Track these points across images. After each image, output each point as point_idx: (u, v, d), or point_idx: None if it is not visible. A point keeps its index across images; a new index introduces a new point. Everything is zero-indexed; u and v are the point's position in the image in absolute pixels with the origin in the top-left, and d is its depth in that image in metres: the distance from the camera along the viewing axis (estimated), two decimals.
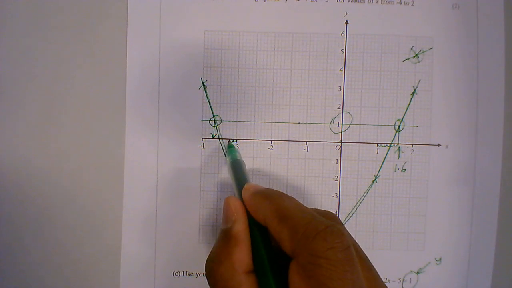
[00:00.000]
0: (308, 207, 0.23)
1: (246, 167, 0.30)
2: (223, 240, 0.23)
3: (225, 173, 0.32)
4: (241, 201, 0.24)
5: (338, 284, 0.18)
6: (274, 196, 0.23)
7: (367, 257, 0.22)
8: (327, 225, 0.19)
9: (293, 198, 0.23)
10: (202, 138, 0.31)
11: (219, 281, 0.21)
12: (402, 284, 0.32)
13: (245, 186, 0.25)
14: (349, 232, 0.23)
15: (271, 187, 0.31)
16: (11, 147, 0.31)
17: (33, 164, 0.31)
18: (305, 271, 0.19)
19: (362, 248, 0.21)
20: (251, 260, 0.22)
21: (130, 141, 0.31)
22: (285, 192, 0.31)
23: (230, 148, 0.31)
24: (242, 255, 0.21)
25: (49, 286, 0.31)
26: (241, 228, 0.23)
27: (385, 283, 0.32)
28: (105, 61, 0.31)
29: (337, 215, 0.32)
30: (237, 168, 0.28)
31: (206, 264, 0.22)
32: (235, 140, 0.32)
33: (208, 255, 0.23)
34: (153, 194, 0.31)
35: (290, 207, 0.21)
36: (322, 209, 0.24)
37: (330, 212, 0.24)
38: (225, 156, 0.31)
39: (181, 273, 0.32)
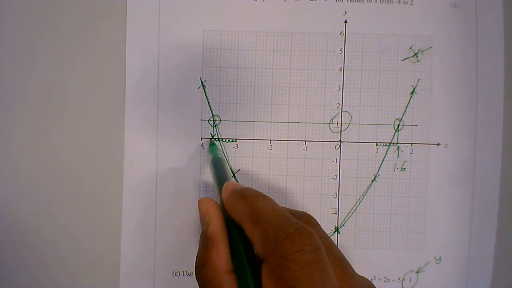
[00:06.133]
0: (285, 207, 0.23)
1: (245, 167, 0.30)
2: (202, 243, 0.23)
3: None
4: (213, 201, 0.25)
5: (306, 286, 0.18)
6: (250, 196, 0.23)
7: (343, 256, 0.22)
8: (297, 228, 0.20)
9: (269, 198, 0.23)
10: (201, 138, 0.31)
11: (205, 283, 0.21)
12: (402, 283, 0.32)
13: (224, 185, 0.25)
14: (326, 232, 0.23)
15: (270, 187, 0.32)
16: (11, 147, 0.31)
17: (32, 164, 0.31)
18: (274, 274, 0.19)
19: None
20: (230, 260, 0.22)
21: (130, 141, 0.31)
22: (284, 192, 0.32)
23: (211, 146, 0.31)
24: (219, 256, 0.22)
25: (49, 285, 0.31)
26: (214, 229, 0.23)
27: (385, 283, 0.32)
28: (105, 61, 0.31)
29: (337, 214, 0.32)
30: (218, 167, 0.28)
31: (194, 268, 0.23)
32: (235, 140, 0.32)
33: None
34: (152, 194, 0.31)
35: (264, 209, 0.21)
36: (300, 210, 0.24)
37: (306, 213, 0.24)
38: (225, 154, 0.31)
39: (181, 273, 0.32)
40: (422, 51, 0.32)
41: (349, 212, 0.32)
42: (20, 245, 0.31)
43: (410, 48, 0.32)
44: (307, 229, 0.20)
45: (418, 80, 0.32)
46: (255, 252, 0.21)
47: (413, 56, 0.32)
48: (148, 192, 0.31)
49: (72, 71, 0.31)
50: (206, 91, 0.31)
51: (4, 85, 0.31)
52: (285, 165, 0.32)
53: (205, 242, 0.23)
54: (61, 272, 0.31)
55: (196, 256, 0.23)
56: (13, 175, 0.31)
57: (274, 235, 0.19)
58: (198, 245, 0.28)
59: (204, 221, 0.24)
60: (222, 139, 0.32)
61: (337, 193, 0.32)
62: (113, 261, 0.31)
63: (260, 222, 0.21)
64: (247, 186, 0.25)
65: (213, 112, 0.32)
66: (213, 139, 0.31)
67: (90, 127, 0.31)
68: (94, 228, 0.31)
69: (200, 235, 0.24)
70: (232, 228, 0.23)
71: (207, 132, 0.32)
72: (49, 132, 0.31)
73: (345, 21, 0.32)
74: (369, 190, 0.32)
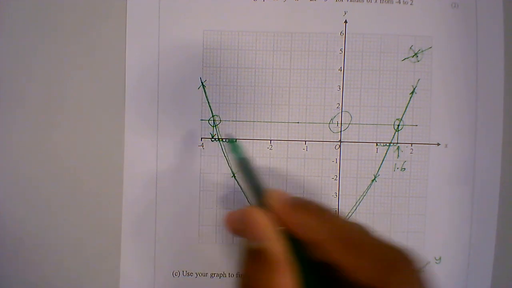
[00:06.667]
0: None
1: None
2: (257, 263, 0.19)
3: (225, 173, 0.32)
4: (265, 213, 0.21)
5: None
6: (322, 212, 0.20)
7: None
8: (405, 254, 0.19)
9: (331, 209, 0.21)
10: (201, 138, 0.31)
11: None
12: None
13: (269, 193, 0.22)
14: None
15: (270, 187, 0.32)
16: (11, 147, 0.31)
17: (32, 164, 0.31)
18: None
19: None
20: (295, 285, 0.19)
21: (130, 141, 0.31)
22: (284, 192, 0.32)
23: (233, 144, 0.26)
24: (285, 281, 0.19)
25: (49, 285, 0.31)
26: (280, 249, 0.19)
27: None
28: (104, 61, 0.31)
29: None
30: (249, 169, 0.24)
31: None
32: (235, 140, 0.32)
33: (241, 275, 0.20)
34: (152, 194, 0.31)
35: (351, 230, 0.20)
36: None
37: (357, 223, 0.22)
38: (225, 154, 0.31)
39: (181, 273, 0.32)
40: (422, 51, 0.32)
41: (349, 212, 0.32)
42: (20, 245, 0.31)
43: (410, 48, 0.32)
44: (407, 252, 0.19)
45: (418, 80, 0.32)
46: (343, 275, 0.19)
47: (413, 56, 0.32)
48: (148, 192, 0.31)
49: (72, 71, 0.31)
50: (206, 91, 0.31)
51: (4, 85, 0.31)
52: (285, 165, 0.32)
53: (264, 262, 0.19)
54: (61, 272, 0.31)
55: (245, 277, 0.19)
56: (13, 175, 0.31)
57: (388, 264, 0.19)
58: (198, 245, 0.28)
59: (258, 237, 0.20)
60: (222, 139, 0.32)
61: (337, 193, 0.32)
62: (113, 261, 0.31)
63: (357, 246, 0.19)
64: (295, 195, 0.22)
65: (213, 112, 0.32)
66: (231, 137, 0.30)
67: (90, 127, 0.31)
68: (94, 228, 0.31)
69: (250, 252, 0.20)
70: (295, 247, 0.20)
71: (207, 132, 0.32)
72: (49, 132, 0.31)
73: (345, 21, 0.32)
74: (369, 190, 0.32)
